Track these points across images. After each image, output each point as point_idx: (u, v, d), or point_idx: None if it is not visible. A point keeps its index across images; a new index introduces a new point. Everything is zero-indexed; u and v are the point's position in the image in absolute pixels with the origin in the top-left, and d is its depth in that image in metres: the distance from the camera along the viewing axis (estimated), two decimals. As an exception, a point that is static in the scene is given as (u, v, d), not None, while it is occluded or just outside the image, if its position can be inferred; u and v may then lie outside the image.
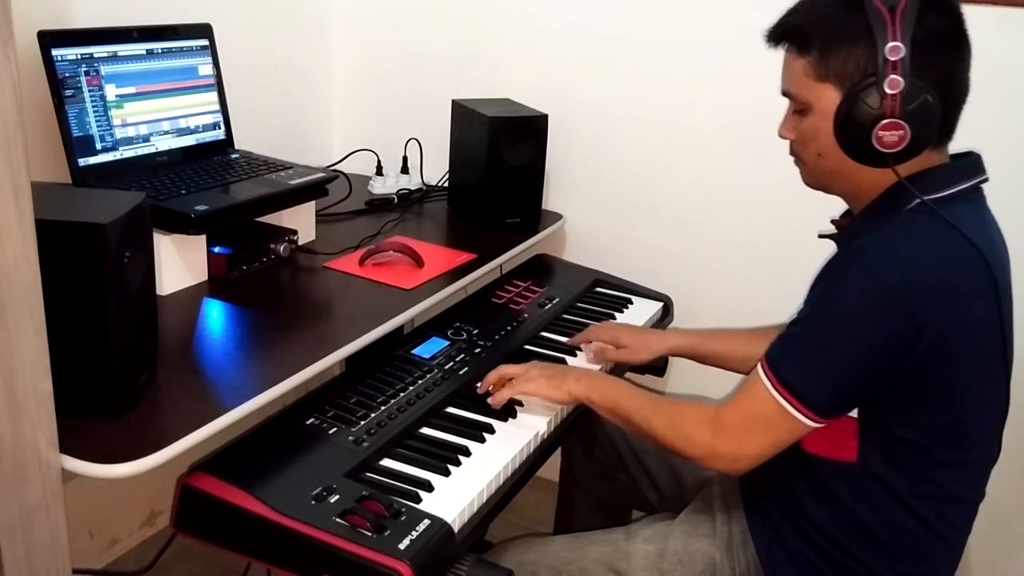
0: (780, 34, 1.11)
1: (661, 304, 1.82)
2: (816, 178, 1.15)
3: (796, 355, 1.06)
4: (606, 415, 1.25)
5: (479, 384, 1.35)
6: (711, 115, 1.87)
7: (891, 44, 0.99)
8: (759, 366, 1.08)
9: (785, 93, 1.13)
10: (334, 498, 1.05)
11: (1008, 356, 1.08)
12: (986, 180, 1.11)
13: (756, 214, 1.87)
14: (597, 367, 1.51)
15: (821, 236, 1.21)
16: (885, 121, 1.01)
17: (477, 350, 1.48)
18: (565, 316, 1.69)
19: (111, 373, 1.03)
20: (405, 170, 2.09)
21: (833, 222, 1.21)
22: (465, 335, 1.52)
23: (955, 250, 1.02)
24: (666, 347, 1.53)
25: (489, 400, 1.31)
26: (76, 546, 1.06)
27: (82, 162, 1.45)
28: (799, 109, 1.11)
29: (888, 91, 1.00)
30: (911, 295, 0.99)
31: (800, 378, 1.05)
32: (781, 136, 1.17)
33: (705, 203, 1.94)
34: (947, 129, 1.07)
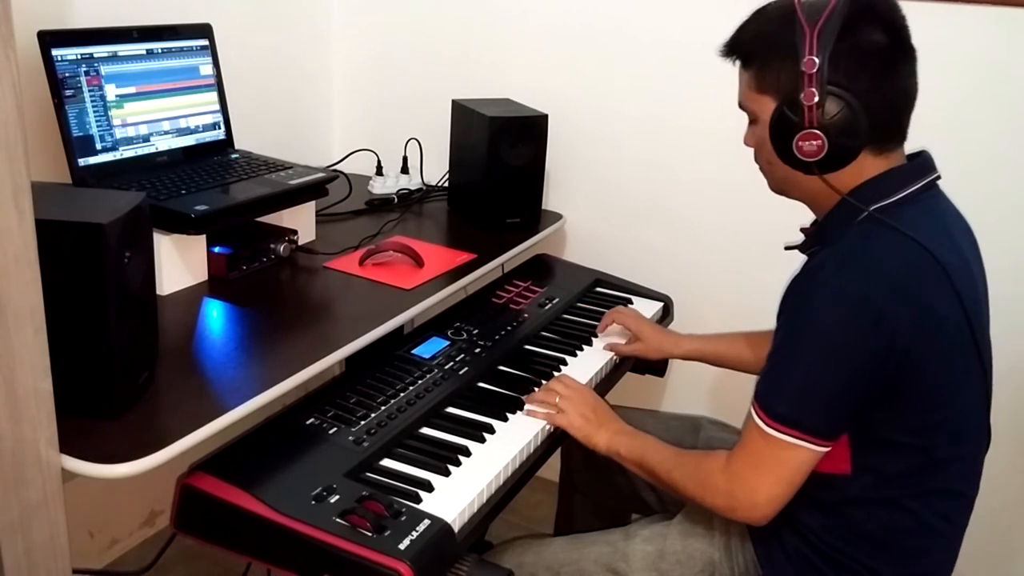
0: (729, 49, 1.16)
1: (661, 304, 1.82)
2: (774, 184, 1.20)
3: (781, 387, 1.07)
4: (632, 468, 1.28)
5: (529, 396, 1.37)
6: (711, 115, 1.87)
7: (806, 58, 1.03)
8: (751, 407, 1.10)
9: (740, 105, 1.18)
10: (334, 498, 1.05)
11: (979, 348, 1.09)
12: (938, 178, 1.12)
13: (756, 214, 1.87)
14: (607, 357, 1.54)
15: (787, 248, 1.23)
16: (803, 132, 1.06)
17: (477, 350, 1.48)
18: (565, 316, 1.69)
19: (111, 373, 1.03)
20: (405, 170, 2.09)
21: (802, 230, 1.23)
22: (465, 335, 1.52)
23: (905, 255, 1.04)
24: (679, 352, 1.59)
25: (526, 403, 1.36)
26: (76, 546, 1.06)
27: (82, 162, 1.45)
28: (751, 120, 1.16)
29: (804, 103, 1.04)
30: (875, 303, 1.01)
31: (791, 408, 1.05)
32: (746, 144, 1.21)
33: (705, 203, 1.94)
34: (888, 135, 1.09)
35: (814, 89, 1.03)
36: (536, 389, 1.39)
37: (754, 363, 1.50)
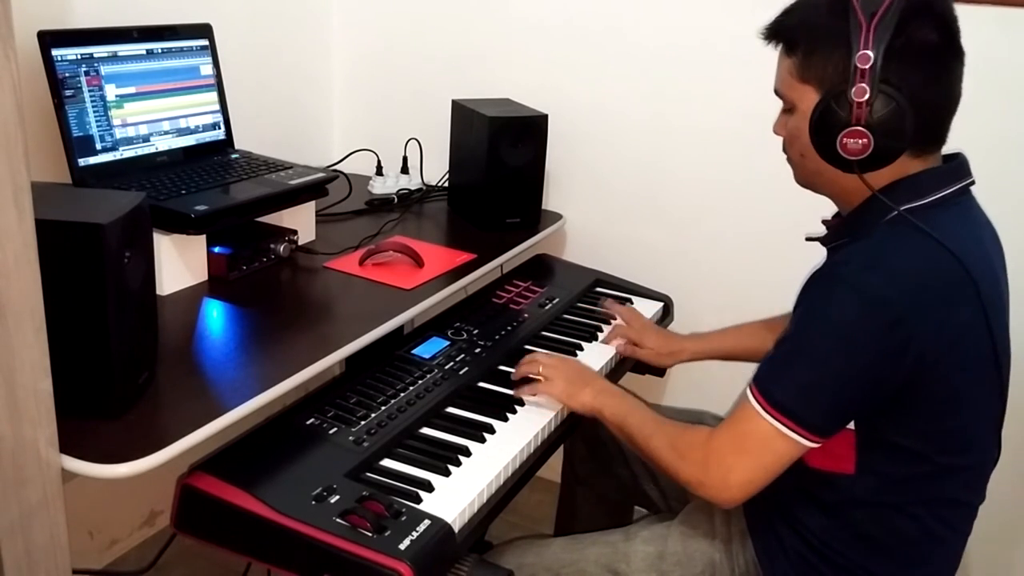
0: (772, 32, 1.12)
1: (661, 304, 1.82)
2: (803, 177, 1.17)
3: (786, 375, 1.06)
4: (614, 430, 1.26)
5: (514, 371, 1.38)
6: (711, 115, 1.87)
7: (860, 52, 1.00)
8: (748, 389, 1.08)
9: (776, 91, 1.14)
10: (334, 498, 1.05)
11: (999, 359, 1.07)
12: (972, 183, 1.10)
13: (756, 213, 1.87)
14: (607, 357, 1.54)
15: (808, 239, 1.22)
16: (849, 128, 1.02)
17: (477, 350, 1.48)
18: (565, 316, 1.69)
19: (111, 373, 1.03)
20: (405, 170, 2.09)
21: (824, 222, 1.22)
22: (465, 335, 1.52)
23: (933, 260, 1.02)
24: (687, 355, 1.58)
25: (513, 388, 1.36)
26: (76, 546, 1.05)
27: (82, 162, 1.45)
28: (787, 108, 1.13)
29: (855, 99, 1.01)
30: (895, 305, 0.99)
31: (791, 398, 1.04)
32: (775, 132, 1.18)
33: (705, 203, 1.94)
34: (931, 137, 1.07)
35: (866, 85, 0.99)
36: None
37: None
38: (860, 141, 1.02)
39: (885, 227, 1.06)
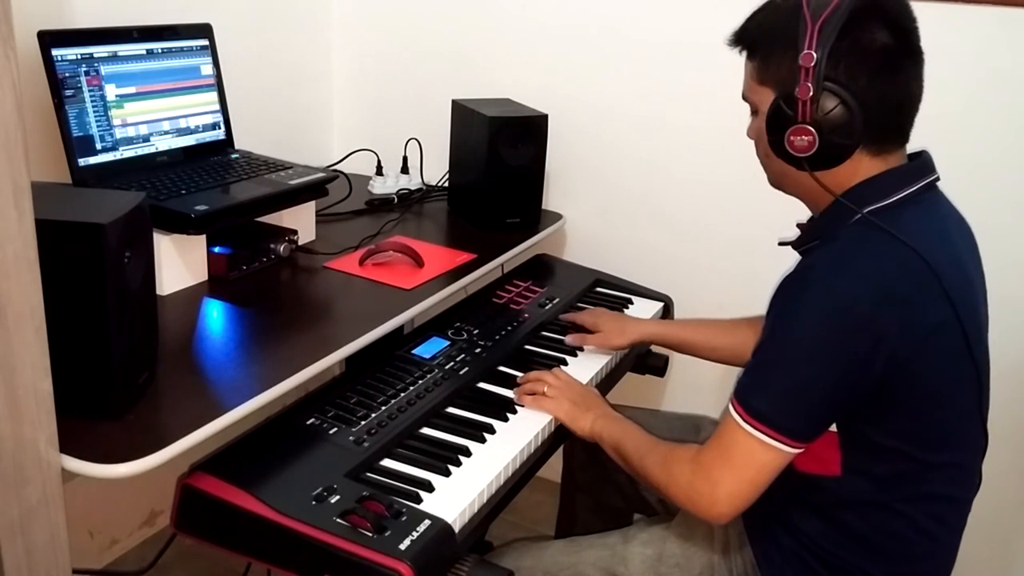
0: (736, 39, 1.15)
1: (661, 304, 1.82)
2: (771, 179, 1.19)
3: (762, 384, 1.06)
4: (611, 454, 1.27)
5: (520, 378, 1.40)
6: (711, 115, 1.87)
7: (804, 52, 1.02)
8: (729, 402, 1.08)
9: (743, 96, 1.17)
10: (334, 498, 1.05)
11: (973, 352, 1.07)
12: (937, 179, 1.12)
13: (756, 214, 1.87)
14: (607, 358, 1.54)
15: (781, 243, 1.23)
16: (795, 126, 1.05)
17: (477, 350, 1.48)
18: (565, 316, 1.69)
19: (111, 373, 1.03)
20: (405, 170, 2.09)
21: (799, 226, 1.22)
22: (465, 335, 1.52)
23: (898, 260, 1.02)
24: (642, 332, 1.59)
25: (514, 391, 1.37)
26: (76, 546, 1.06)
27: (82, 162, 1.45)
28: (752, 111, 1.16)
29: (799, 97, 1.04)
30: (863, 306, 1.00)
31: (769, 407, 1.04)
32: (748, 137, 1.20)
33: (705, 203, 1.94)
34: (888, 137, 1.08)
35: (810, 83, 1.02)
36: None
37: (725, 350, 1.51)
38: (805, 138, 1.05)
39: (851, 229, 1.07)
